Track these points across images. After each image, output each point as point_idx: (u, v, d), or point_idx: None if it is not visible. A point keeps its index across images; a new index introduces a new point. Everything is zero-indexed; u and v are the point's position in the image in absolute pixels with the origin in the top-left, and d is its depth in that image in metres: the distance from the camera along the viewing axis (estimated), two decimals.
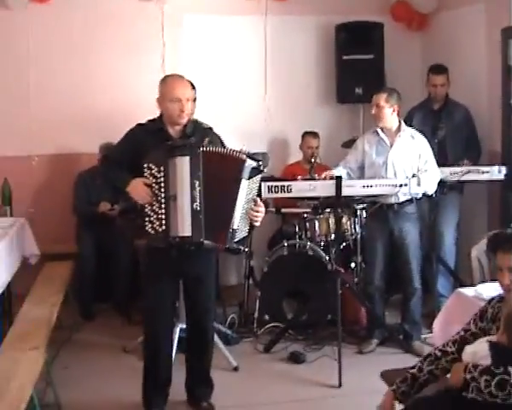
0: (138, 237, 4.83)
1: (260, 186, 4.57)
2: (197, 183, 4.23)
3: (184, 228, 4.24)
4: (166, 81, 4.58)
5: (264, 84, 7.78)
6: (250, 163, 4.27)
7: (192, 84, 5.97)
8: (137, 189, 4.34)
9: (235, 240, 4.29)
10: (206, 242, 4.28)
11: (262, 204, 4.44)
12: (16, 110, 7.27)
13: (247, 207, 4.33)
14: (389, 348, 5.92)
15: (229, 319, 6.31)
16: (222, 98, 7.50)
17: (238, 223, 4.27)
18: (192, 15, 7.54)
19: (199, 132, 4.52)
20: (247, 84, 7.73)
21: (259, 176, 4.41)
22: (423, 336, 5.93)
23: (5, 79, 7.25)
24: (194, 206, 4.24)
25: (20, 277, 6.07)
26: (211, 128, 4.70)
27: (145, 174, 4.32)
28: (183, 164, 4.24)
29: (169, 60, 7.46)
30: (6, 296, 6.05)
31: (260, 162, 4.39)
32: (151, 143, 4.37)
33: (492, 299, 3.32)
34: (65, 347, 5.94)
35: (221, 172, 4.27)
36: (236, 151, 4.32)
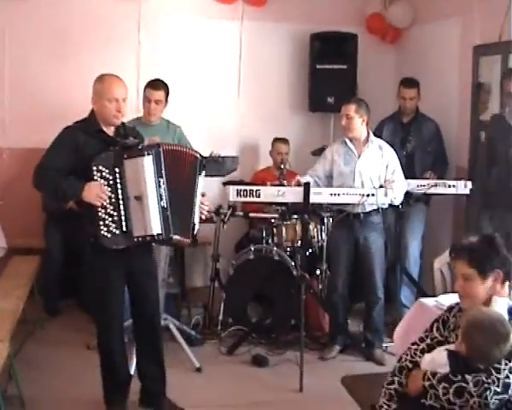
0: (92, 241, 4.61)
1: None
2: (161, 181, 4.28)
3: (154, 226, 4.27)
4: (104, 80, 4.49)
5: (237, 89, 7.83)
6: (202, 159, 4.45)
7: (166, 85, 6.04)
8: (93, 191, 4.23)
9: (195, 233, 4.44)
10: (175, 237, 4.33)
11: (207, 198, 4.63)
12: None
13: (199, 201, 4.47)
14: (350, 356, 5.99)
15: (193, 320, 6.35)
16: (195, 100, 7.54)
17: (196, 218, 4.41)
18: (169, 17, 7.57)
19: (129, 131, 4.55)
20: (221, 87, 7.77)
21: (204, 171, 4.52)
22: (385, 344, 6.00)
23: None
24: (162, 204, 4.28)
25: None
26: (134, 128, 4.76)
27: (94, 177, 4.25)
28: (146, 163, 4.25)
29: (144, 60, 7.48)
30: None
31: (204, 157, 4.56)
32: (94, 146, 4.31)
33: (452, 307, 3.39)
34: (28, 341, 5.95)
35: (180, 168, 4.40)
36: (189, 148, 4.57)
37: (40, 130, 7.25)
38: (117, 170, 4.26)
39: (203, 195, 4.54)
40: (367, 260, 5.85)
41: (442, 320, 3.36)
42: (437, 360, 3.16)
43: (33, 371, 5.39)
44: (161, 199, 4.28)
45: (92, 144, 4.33)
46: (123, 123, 4.58)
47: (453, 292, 4.46)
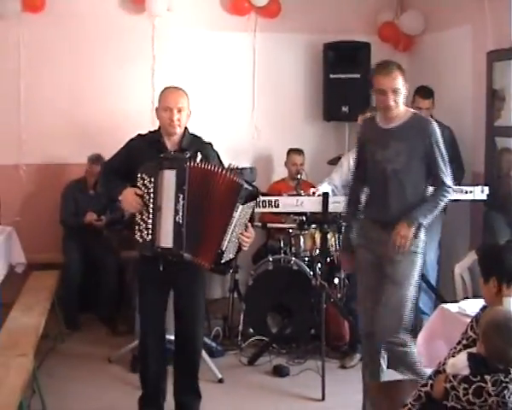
0: (127, 246, 4.82)
1: (253, 212, 4.56)
2: (181, 196, 4.28)
3: (167, 239, 4.30)
4: (163, 91, 4.67)
5: (252, 100, 7.87)
6: (247, 188, 4.35)
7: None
8: (128, 198, 4.38)
9: (223, 261, 4.35)
10: (185, 255, 4.33)
11: (252, 230, 4.51)
12: (6, 119, 7.30)
13: (239, 230, 4.38)
14: None
15: (213, 332, 6.36)
16: (210, 113, 7.56)
17: (227, 245, 4.32)
18: (182, 30, 7.64)
19: (196, 146, 4.55)
20: (236, 99, 7.82)
21: (254, 202, 4.47)
22: None
23: None
24: (177, 219, 4.28)
25: (6, 285, 6.11)
26: (210, 144, 4.71)
27: (138, 184, 4.37)
28: (170, 177, 4.29)
29: (158, 73, 7.53)
30: None
31: (256, 189, 4.49)
32: (147, 154, 4.42)
33: (485, 307, 3.42)
34: (50, 356, 5.98)
35: (212, 189, 4.33)
36: (231, 171, 4.42)
37: (56, 145, 7.37)
38: (153, 179, 4.34)
39: (247, 226, 4.44)
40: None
41: (476, 319, 3.38)
42: (458, 363, 3.18)
43: (56, 385, 5.41)
44: (177, 214, 4.30)
45: (147, 153, 4.44)
46: (189, 134, 4.62)
47: (474, 297, 4.52)
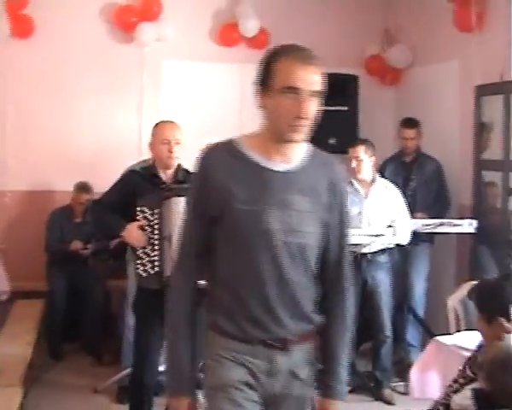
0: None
1: None
2: None
3: None
4: (158, 125, 4.76)
5: (239, 130, 7.81)
6: None
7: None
8: (133, 233, 4.41)
9: None
10: (201, 282, 4.29)
11: None
12: None
13: None
14: (360, 396, 5.96)
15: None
16: (197, 143, 7.49)
17: None
18: (171, 61, 7.66)
19: (190, 179, 4.57)
20: (223, 130, 7.62)
21: None
22: (393, 384, 6.00)
23: None
24: None
25: None
26: None
27: (138, 217, 4.40)
28: (179, 204, 4.28)
29: (147, 103, 7.53)
30: None
31: None
32: (145, 188, 4.49)
33: (482, 345, 3.42)
34: (35, 386, 5.87)
35: None
36: None
37: (42, 172, 7.33)
38: (156, 211, 4.38)
39: None
40: (375, 299, 5.86)
41: (472, 358, 3.38)
42: (464, 399, 3.17)
43: None
44: None
45: (144, 187, 4.51)
46: (183, 168, 4.67)
47: (467, 330, 4.52)
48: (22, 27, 7.23)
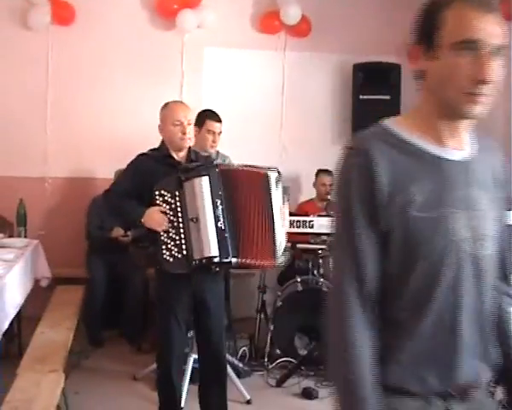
0: (153, 266, 4.71)
1: (282, 190, 4.49)
2: (219, 201, 4.23)
3: (210, 248, 4.21)
4: (167, 106, 4.62)
5: (280, 119, 7.83)
6: (272, 173, 4.37)
7: (220, 118, 5.98)
8: (154, 217, 4.30)
9: (280, 253, 4.34)
10: (234, 260, 4.26)
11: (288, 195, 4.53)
12: (33, 131, 7.32)
13: (280, 216, 4.37)
14: None
15: (240, 352, 6.27)
16: (237, 131, 7.49)
17: (279, 235, 4.31)
18: (211, 48, 7.62)
19: (201, 159, 4.55)
20: (264, 119, 7.77)
21: (280, 183, 4.43)
22: None
23: (24, 100, 7.31)
24: (219, 225, 4.22)
25: (31, 299, 6.04)
26: (210, 156, 4.78)
27: (157, 202, 4.30)
28: (202, 184, 4.24)
29: (188, 90, 7.51)
30: (15, 318, 6.02)
31: (277, 169, 4.48)
32: (160, 171, 4.38)
33: None
34: (74, 372, 5.89)
35: (243, 188, 4.33)
36: (253, 166, 4.47)
37: (83, 159, 7.35)
38: (177, 193, 4.28)
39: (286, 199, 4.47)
40: None
41: None
42: None
43: (81, 403, 5.34)
44: (218, 220, 4.23)
45: (159, 170, 4.39)
46: (194, 150, 4.62)
47: None
48: (63, 14, 7.26)
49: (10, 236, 6.48)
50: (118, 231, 6.78)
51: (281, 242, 4.35)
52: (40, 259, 6.38)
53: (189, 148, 4.58)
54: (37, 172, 7.35)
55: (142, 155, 4.59)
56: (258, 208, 4.31)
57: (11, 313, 5.10)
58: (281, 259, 4.38)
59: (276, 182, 4.37)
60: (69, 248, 7.19)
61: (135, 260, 6.81)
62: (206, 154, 4.92)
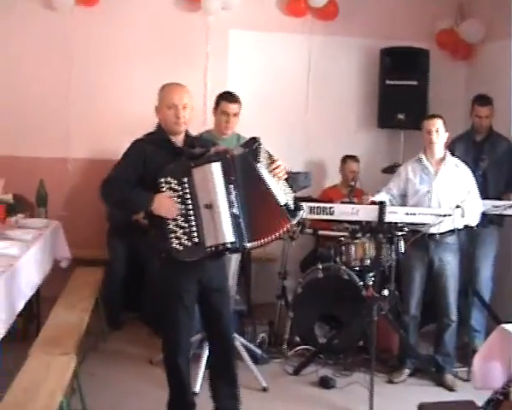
0: (157, 255, 4.56)
1: (264, 151, 4.31)
2: (231, 187, 4.15)
3: (226, 234, 4.12)
4: (164, 88, 4.45)
5: (305, 104, 7.72)
6: (250, 148, 4.25)
7: (239, 99, 5.90)
8: (164, 204, 4.16)
9: (293, 208, 4.24)
10: (248, 245, 4.19)
11: (274, 157, 4.34)
12: (55, 112, 7.30)
13: (274, 177, 4.26)
14: (420, 380, 5.80)
15: (259, 339, 6.20)
16: (263, 115, 7.41)
17: (282, 198, 4.21)
18: (237, 30, 7.53)
19: (200, 143, 4.44)
20: (289, 102, 7.67)
21: (261, 146, 4.27)
22: (455, 369, 5.82)
23: (47, 81, 7.29)
24: (233, 210, 4.14)
25: (51, 279, 6.02)
26: (212, 141, 4.67)
27: (163, 189, 4.18)
28: (214, 170, 4.14)
29: (212, 72, 7.43)
30: (34, 299, 6.01)
31: (254, 138, 4.34)
32: (161, 156, 4.24)
33: None
34: (91, 354, 5.88)
35: (244, 170, 4.21)
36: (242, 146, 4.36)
37: (104, 140, 7.31)
38: (185, 180, 4.17)
39: (271, 161, 4.29)
40: (441, 281, 5.67)
41: None
42: None
43: (96, 385, 5.30)
44: (232, 206, 4.14)
45: (160, 155, 4.26)
46: (189, 134, 4.48)
47: None
48: None
49: (31, 216, 6.45)
50: (138, 214, 6.73)
51: (287, 200, 4.24)
52: (60, 239, 6.36)
53: (187, 131, 4.45)
54: (59, 152, 7.32)
55: (140, 140, 4.42)
56: (254, 187, 4.20)
57: (27, 293, 5.08)
58: (297, 216, 4.26)
59: (255, 154, 4.22)
60: (90, 230, 7.18)
61: (155, 242, 6.78)
62: (205, 138, 4.81)
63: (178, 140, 4.39)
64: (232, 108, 5.73)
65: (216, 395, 4.67)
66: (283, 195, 4.25)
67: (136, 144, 4.39)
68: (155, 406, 4.86)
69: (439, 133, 5.63)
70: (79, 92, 7.31)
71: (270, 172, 4.25)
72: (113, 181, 4.31)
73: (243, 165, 4.22)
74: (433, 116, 5.80)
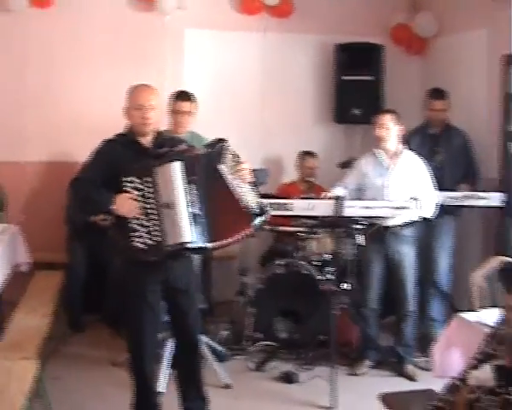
0: (119, 254, 4.59)
1: (228, 153, 4.34)
2: (193, 187, 4.16)
3: (184, 234, 4.13)
4: (131, 89, 4.46)
5: (262, 101, 7.75)
6: (212, 149, 4.29)
7: (193, 97, 5.93)
8: (125, 204, 4.17)
9: (256, 213, 4.25)
10: (209, 245, 4.21)
11: (241, 160, 4.38)
12: (11, 115, 7.23)
13: (238, 179, 4.28)
14: (381, 371, 5.89)
15: (220, 336, 6.23)
16: (219, 113, 7.44)
17: (246, 199, 4.22)
18: (192, 29, 7.55)
19: (171, 143, 4.45)
20: (245, 99, 7.70)
21: (227, 148, 4.32)
22: (415, 359, 5.90)
23: (1, 83, 7.20)
24: (193, 210, 4.15)
25: (10, 284, 5.99)
26: (184, 141, 4.65)
27: (127, 189, 4.19)
28: (175, 170, 4.15)
29: (169, 72, 7.42)
30: None
31: (217, 140, 4.38)
32: (128, 157, 4.26)
33: (501, 322, 3.30)
34: (53, 358, 5.84)
35: (205, 171, 4.22)
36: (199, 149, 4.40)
37: (62, 142, 7.27)
38: (148, 179, 4.18)
39: (237, 163, 4.33)
40: (399, 273, 5.75)
41: (493, 334, 3.27)
42: (483, 374, 3.07)
43: (61, 390, 5.29)
44: (192, 205, 4.16)
45: (127, 156, 4.28)
46: (160, 132, 4.51)
47: (492, 307, 4.39)
48: None
49: None
50: (98, 215, 6.72)
51: (251, 203, 4.25)
52: (19, 244, 6.32)
53: (157, 132, 4.47)
54: (15, 156, 7.26)
55: (109, 141, 4.44)
56: (215, 187, 4.23)
57: None
58: (257, 220, 4.27)
59: (218, 154, 4.25)
60: (49, 233, 7.14)
61: (115, 243, 6.77)
62: (179, 138, 4.81)
63: (147, 141, 4.41)
64: (184, 106, 5.76)
65: (183, 397, 4.68)
66: (247, 197, 4.28)
67: (105, 144, 4.43)
68: (119, 407, 4.88)
69: (389, 128, 5.69)
70: (34, 95, 7.25)
71: (235, 173, 4.28)
72: (79, 180, 4.39)
73: (206, 165, 4.24)
74: (383, 111, 5.91)
